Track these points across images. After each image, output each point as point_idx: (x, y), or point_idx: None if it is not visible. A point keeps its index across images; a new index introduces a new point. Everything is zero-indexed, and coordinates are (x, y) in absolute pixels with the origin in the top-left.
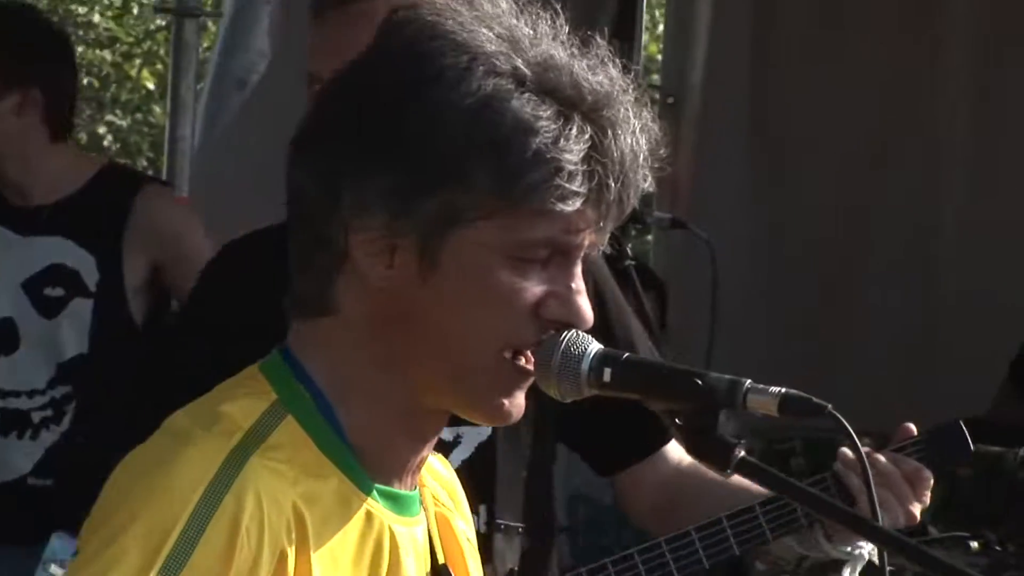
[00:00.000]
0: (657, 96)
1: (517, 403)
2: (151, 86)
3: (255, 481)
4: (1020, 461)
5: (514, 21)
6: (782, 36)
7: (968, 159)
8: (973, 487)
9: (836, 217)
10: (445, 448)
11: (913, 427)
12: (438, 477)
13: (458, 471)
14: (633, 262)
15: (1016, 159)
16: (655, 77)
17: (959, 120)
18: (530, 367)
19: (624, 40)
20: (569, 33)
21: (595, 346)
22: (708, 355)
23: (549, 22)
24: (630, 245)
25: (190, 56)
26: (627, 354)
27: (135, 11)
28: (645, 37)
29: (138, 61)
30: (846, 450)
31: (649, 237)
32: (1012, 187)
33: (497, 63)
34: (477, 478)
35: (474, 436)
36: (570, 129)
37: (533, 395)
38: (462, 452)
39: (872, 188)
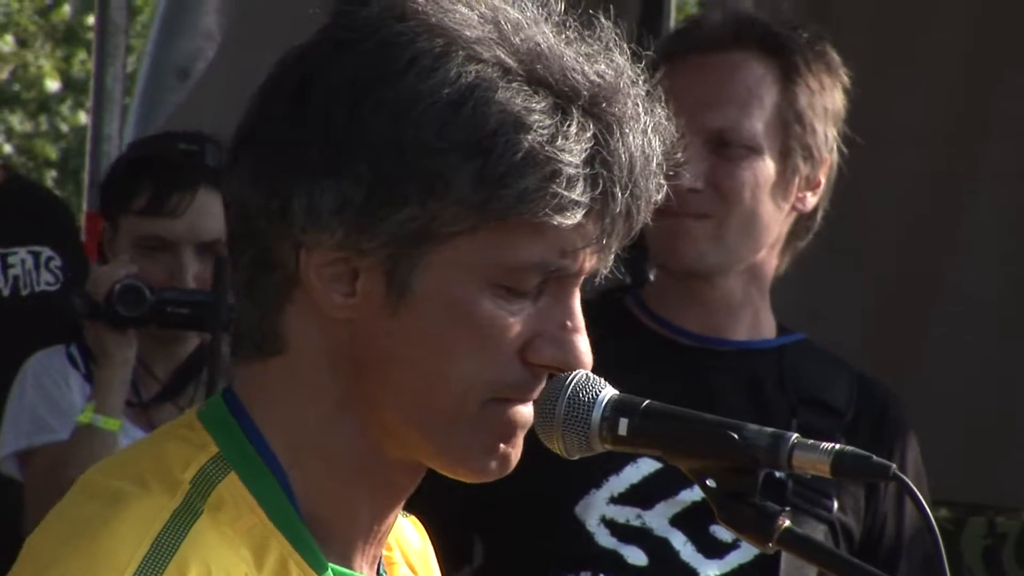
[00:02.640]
0: None
1: (508, 456)
2: (55, 84)
3: (203, 549)
4: None
5: (497, 2)
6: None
7: None
8: None
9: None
10: (719, 549)
11: None
12: (407, 547)
13: None
14: None
15: None
16: None
17: None
18: (522, 413)
19: (652, 32)
20: (567, 14)
21: (609, 391)
22: None
23: (539, 2)
24: None
25: (118, 39)
26: (647, 401)
27: None
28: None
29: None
30: None
31: None
32: None
33: (478, 49)
34: None
35: None
36: (568, 125)
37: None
38: (740, 556)
39: None
